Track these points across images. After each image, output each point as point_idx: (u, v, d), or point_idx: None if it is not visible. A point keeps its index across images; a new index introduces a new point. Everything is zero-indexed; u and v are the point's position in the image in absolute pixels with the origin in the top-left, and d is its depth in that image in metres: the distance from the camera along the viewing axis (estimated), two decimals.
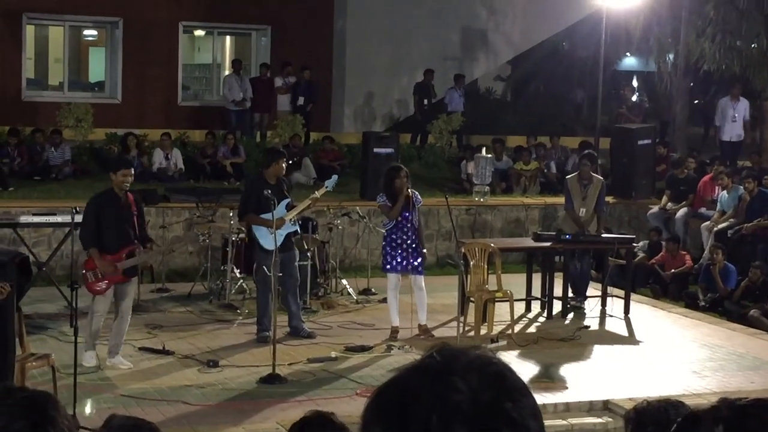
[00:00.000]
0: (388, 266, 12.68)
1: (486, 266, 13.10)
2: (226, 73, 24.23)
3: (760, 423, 2.01)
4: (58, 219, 13.89)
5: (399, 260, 12.61)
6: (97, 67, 25.65)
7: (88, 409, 9.88)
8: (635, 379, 11.37)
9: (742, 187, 16.93)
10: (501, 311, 13.21)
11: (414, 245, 12.65)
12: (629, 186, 19.00)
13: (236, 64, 23.28)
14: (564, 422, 9.96)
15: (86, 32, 25.93)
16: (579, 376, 11.50)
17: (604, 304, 14.56)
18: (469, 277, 13.14)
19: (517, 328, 13.40)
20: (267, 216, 11.81)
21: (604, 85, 21.68)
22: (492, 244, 13.50)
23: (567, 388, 10.98)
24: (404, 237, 12.59)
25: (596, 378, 11.42)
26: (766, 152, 21.83)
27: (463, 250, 13.15)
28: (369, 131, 20.76)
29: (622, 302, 14.53)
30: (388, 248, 12.66)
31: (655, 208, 18.24)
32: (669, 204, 18.18)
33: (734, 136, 21.26)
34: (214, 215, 15.14)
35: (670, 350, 12.77)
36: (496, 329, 13.13)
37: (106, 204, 11.14)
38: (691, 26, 22.11)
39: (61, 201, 15.75)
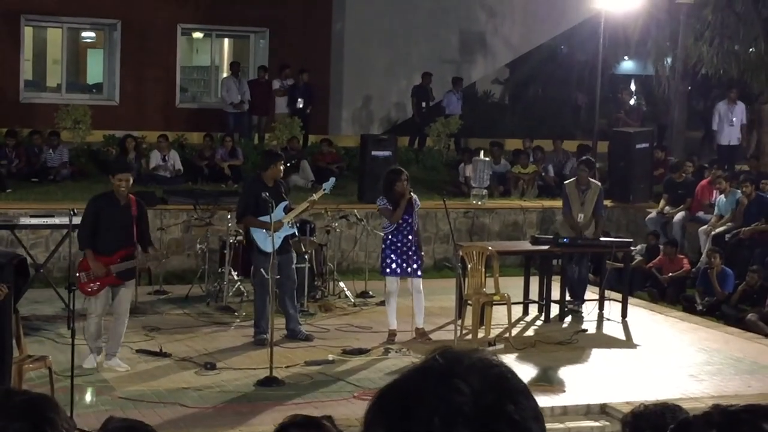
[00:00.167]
0: (388, 270, 12.67)
1: (484, 269, 13.10)
2: (224, 75, 24.23)
3: (752, 428, 2.01)
4: (56, 221, 13.89)
5: (398, 264, 12.60)
6: (95, 69, 25.65)
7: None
8: (633, 382, 11.37)
9: (739, 191, 16.94)
10: (498, 314, 13.22)
11: (414, 248, 12.65)
12: (627, 189, 19.01)
13: (234, 66, 23.29)
14: (561, 426, 9.97)
15: (84, 34, 25.93)
16: (576, 379, 11.50)
17: (601, 307, 14.56)
18: (466, 280, 13.14)
19: (515, 331, 13.41)
20: (265, 218, 11.81)
21: (603, 88, 21.69)
22: (490, 248, 13.51)
23: (564, 391, 10.98)
24: (404, 240, 12.59)
25: (594, 381, 11.42)
26: (764, 156, 21.83)
27: (460, 253, 13.15)
28: (367, 134, 20.75)
29: (619, 306, 14.53)
30: (387, 251, 12.64)
31: (653, 213, 18.25)
32: (667, 208, 18.19)
33: (732, 139, 21.28)
34: (211, 217, 15.14)
35: (667, 354, 12.77)
36: (494, 332, 13.13)
37: (105, 206, 11.16)
38: (689, 30, 22.12)
39: (58, 203, 15.75)
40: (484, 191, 18.60)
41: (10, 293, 9.39)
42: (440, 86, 23.83)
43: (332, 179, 13.23)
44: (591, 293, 14.92)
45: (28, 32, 23.83)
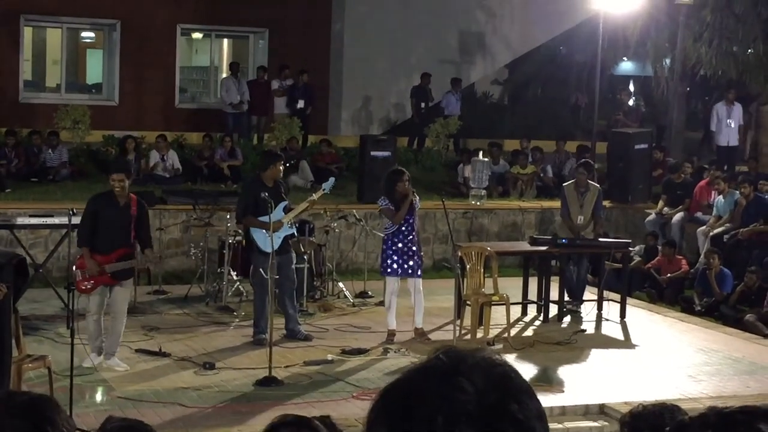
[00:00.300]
0: (389, 270, 12.67)
1: (482, 270, 13.12)
2: (224, 75, 24.24)
3: (748, 429, 2.02)
4: (55, 221, 13.89)
5: (399, 264, 12.60)
6: (94, 69, 25.66)
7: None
8: (631, 383, 11.38)
9: (738, 192, 16.95)
10: (497, 315, 13.23)
11: (414, 248, 12.66)
12: (626, 190, 19.02)
13: (234, 66, 23.30)
14: (560, 426, 9.98)
15: (84, 34, 25.94)
16: (575, 379, 11.51)
17: (600, 308, 14.56)
18: (465, 280, 13.15)
19: (514, 331, 13.42)
20: (265, 219, 11.82)
21: (602, 89, 21.70)
22: (489, 248, 13.52)
23: (563, 391, 10.99)
24: (405, 241, 12.60)
25: (592, 382, 11.43)
26: (763, 157, 21.85)
27: (459, 254, 13.16)
28: (366, 134, 20.76)
29: (618, 306, 14.54)
30: (389, 252, 12.64)
31: (652, 214, 18.25)
32: (665, 209, 18.20)
33: (731, 140, 21.30)
34: (211, 218, 15.14)
35: (666, 354, 12.78)
36: (493, 333, 13.14)
37: (104, 205, 11.18)
38: (688, 31, 22.13)
39: (58, 203, 15.75)
40: (483, 192, 18.60)
41: (10, 293, 9.41)
42: (439, 87, 23.84)
43: (332, 179, 13.23)
44: (590, 294, 14.93)
45: (27, 32, 23.85)
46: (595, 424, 10.25)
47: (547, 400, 10.52)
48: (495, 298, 13.04)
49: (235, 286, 14.41)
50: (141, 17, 23.23)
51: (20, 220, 14.12)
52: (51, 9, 22.84)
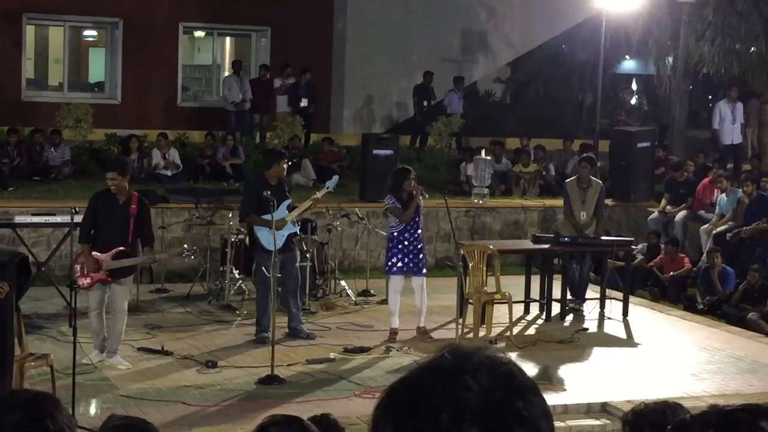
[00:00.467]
0: (395, 269, 12.65)
1: (485, 268, 13.11)
2: (226, 74, 24.24)
3: (749, 427, 2.02)
4: (58, 219, 13.90)
5: (405, 263, 12.59)
6: (96, 68, 25.67)
7: (92, 410, 9.88)
8: (633, 381, 11.37)
9: (740, 190, 16.95)
10: (500, 313, 13.22)
11: (419, 246, 12.66)
12: (628, 189, 19.01)
13: (236, 65, 23.30)
14: (562, 424, 9.97)
15: (86, 33, 25.95)
16: (577, 378, 11.51)
17: (602, 306, 14.57)
18: (467, 278, 13.14)
19: (516, 330, 13.42)
20: (268, 217, 11.81)
21: (604, 88, 21.68)
22: (491, 246, 13.51)
23: (565, 390, 10.99)
24: (411, 239, 12.59)
25: (594, 380, 11.43)
26: (766, 156, 21.82)
27: (462, 252, 13.15)
28: (368, 133, 20.76)
29: (620, 305, 14.53)
30: (394, 250, 12.61)
31: (655, 213, 18.24)
32: (668, 207, 18.19)
33: (735, 138, 21.27)
34: (213, 216, 15.14)
35: (668, 353, 12.78)
36: (495, 331, 13.13)
37: (103, 202, 11.20)
38: (690, 29, 22.10)
39: (60, 201, 15.75)
40: (486, 190, 18.59)
41: (12, 291, 9.40)
42: (442, 85, 23.83)
43: (335, 177, 13.23)
44: (592, 292, 14.94)
45: (29, 31, 23.86)
46: (598, 422, 10.25)
47: (549, 398, 10.38)
48: (497, 296, 13.03)
49: (238, 284, 14.41)
50: (143, 15, 23.24)
51: (22, 219, 14.13)
52: (53, 7, 22.85)
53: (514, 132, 24.68)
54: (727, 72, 22.16)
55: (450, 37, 25.73)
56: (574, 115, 29.93)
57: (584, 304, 14.77)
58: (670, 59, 24.03)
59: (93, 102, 22.21)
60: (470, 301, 13.02)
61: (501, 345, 12.62)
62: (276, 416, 3.84)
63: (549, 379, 11.26)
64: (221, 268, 14.51)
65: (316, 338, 12.65)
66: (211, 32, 25.41)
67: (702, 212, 17.76)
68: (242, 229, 13.79)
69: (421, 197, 12.61)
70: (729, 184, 17.33)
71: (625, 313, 14.49)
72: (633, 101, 26.30)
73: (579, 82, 30.12)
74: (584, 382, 11.35)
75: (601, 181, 15.29)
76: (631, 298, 14.92)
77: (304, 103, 22.55)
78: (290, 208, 12.46)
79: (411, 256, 12.58)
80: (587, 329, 13.88)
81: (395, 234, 12.62)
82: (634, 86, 32.43)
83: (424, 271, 12.75)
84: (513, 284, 14.14)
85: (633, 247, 15.49)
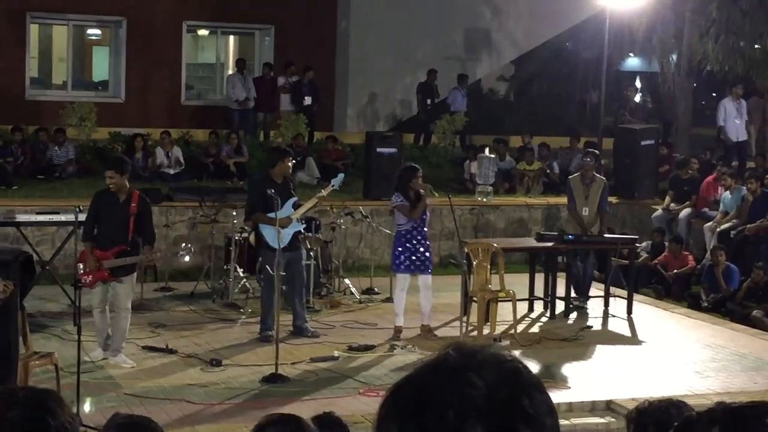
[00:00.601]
0: (402, 267, 12.64)
1: (489, 266, 13.11)
2: (230, 72, 24.26)
3: (755, 424, 2.02)
4: (62, 218, 13.90)
5: (412, 261, 12.58)
6: (100, 67, 25.68)
7: (88, 407, 9.89)
8: (638, 379, 11.37)
9: (745, 187, 16.93)
10: (504, 311, 13.22)
11: (426, 244, 12.66)
12: (632, 186, 19.00)
13: (240, 63, 23.31)
14: (567, 422, 9.96)
15: (90, 31, 25.95)
16: (581, 376, 11.51)
17: (606, 304, 14.57)
18: (472, 277, 13.14)
19: (520, 328, 13.42)
20: (273, 215, 11.82)
21: (608, 85, 21.68)
22: (495, 244, 13.51)
23: (569, 388, 10.99)
24: (418, 237, 12.59)
25: (599, 378, 11.42)
26: None
27: (466, 250, 13.15)
28: (372, 131, 20.76)
29: (624, 302, 14.52)
30: (401, 248, 12.59)
31: (659, 210, 18.23)
32: (672, 204, 18.18)
33: (740, 135, 21.24)
34: (217, 214, 15.16)
35: (672, 351, 12.77)
36: (499, 329, 13.12)
37: (104, 201, 11.23)
38: (694, 26, 22.09)
39: (64, 200, 15.75)
40: (489, 188, 18.59)
41: (16, 290, 9.41)
42: (445, 83, 23.83)
43: (341, 175, 13.23)
44: (596, 290, 14.93)
45: (33, 30, 23.87)
46: (602, 420, 10.25)
47: (553, 396, 10.45)
48: (501, 294, 13.03)
49: (242, 282, 14.41)
50: (147, 14, 23.25)
51: (26, 217, 14.14)
52: (57, 6, 22.87)
53: (517, 130, 24.67)
54: (732, 69, 22.14)
55: (454, 34, 25.73)
56: (578, 112, 29.92)
57: (588, 302, 14.76)
58: (674, 57, 24.02)
59: (97, 101, 22.23)
60: (474, 299, 13.02)
61: (505, 343, 12.61)
62: (273, 415, 3.85)
63: (553, 377, 11.25)
64: (225, 267, 14.52)
65: (320, 336, 12.66)
66: (215, 31, 25.41)
67: (706, 210, 17.74)
68: (246, 228, 13.79)
69: (433, 194, 12.62)
70: (733, 181, 17.31)
71: (629, 310, 14.48)
72: (637, 99, 26.27)
73: (583, 80, 30.11)
74: (588, 380, 11.35)
75: (604, 178, 15.28)
76: (635, 296, 14.90)
77: (307, 101, 22.56)
78: (296, 206, 12.47)
79: (418, 255, 12.58)
80: (591, 327, 13.88)
81: (402, 232, 12.61)
82: (638, 84, 32.41)
83: (431, 269, 12.74)
84: (517, 282, 14.13)
85: (637, 244, 15.47)
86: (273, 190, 11.77)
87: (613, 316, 14.36)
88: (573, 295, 14.61)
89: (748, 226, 16.42)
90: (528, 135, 21.88)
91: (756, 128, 23.32)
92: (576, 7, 24.84)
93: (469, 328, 12.92)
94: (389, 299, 14.13)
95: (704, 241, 17.13)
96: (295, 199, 12.50)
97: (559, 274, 14.47)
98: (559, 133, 23.00)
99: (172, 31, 23.69)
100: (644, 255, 16.60)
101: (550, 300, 14.37)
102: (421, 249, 12.59)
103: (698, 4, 21.99)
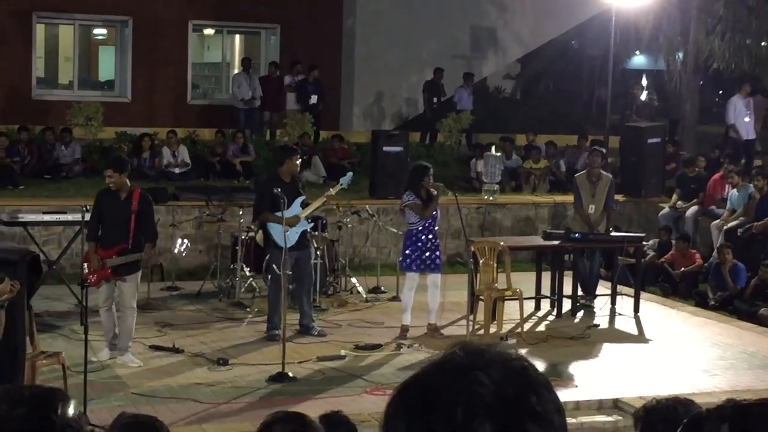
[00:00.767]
0: (413, 266, 12.62)
1: (495, 265, 13.09)
2: (236, 71, 24.26)
3: (765, 421, 2.02)
4: (68, 217, 13.93)
5: (422, 260, 12.57)
6: (106, 66, 25.71)
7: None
8: (645, 377, 11.35)
9: (752, 185, 16.90)
10: (510, 310, 13.20)
11: (436, 243, 12.65)
12: (639, 184, 18.98)
13: (245, 62, 23.32)
14: (574, 420, 9.95)
15: (96, 31, 25.98)
16: (589, 374, 11.50)
17: (613, 302, 14.56)
18: (478, 275, 13.14)
19: (527, 326, 13.41)
20: (280, 214, 11.81)
21: (614, 83, 21.66)
22: (501, 243, 13.50)
23: (577, 386, 10.98)
24: (429, 236, 12.58)
25: (606, 376, 11.41)
26: None
27: (472, 249, 13.14)
28: (378, 130, 20.78)
29: (631, 301, 14.51)
30: (412, 247, 12.57)
31: (665, 209, 18.21)
32: (679, 202, 18.16)
33: (749, 133, 21.21)
34: (223, 213, 15.17)
35: (680, 349, 12.75)
36: (506, 328, 13.12)
37: (106, 200, 11.23)
38: (700, 24, 22.07)
39: (71, 199, 15.77)
40: (496, 186, 18.58)
41: (23, 290, 9.42)
42: (451, 82, 23.83)
43: (350, 174, 13.23)
44: (603, 288, 14.92)
45: (39, 29, 23.90)
46: (609, 418, 10.24)
47: (561, 394, 10.43)
48: (508, 293, 13.03)
49: (248, 281, 14.42)
50: (153, 13, 23.27)
51: (33, 217, 14.15)
52: (63, 6, 22.90)
53: (523, 128, 24.63)
54: (738, 67, 22.11)
55: (459, 33, 25.73)
56: (585, 110, 29.90)
57: (595, 301, 14.75)
58: (681, 54, 23.99)
59: (103, 100, 22.27)
60: (481, 297, 13.01)
61: (512, 341, 12.61)
62: (279, 413, 3.84)
63: (560, 376, 11.24)
64: (232, 266, 14.52)
65: (327, 335, 12.65)
66: (221, 30, 25.43)
67: (713, 208, 17.72)
68: (252, 227, 13.79)
69: (445, 193, 12.62)
70: (740, 179, 17.29)
71: (636, 309, 14.46)
72: (643, 97, 26.23)
73: (589, 78, 30.08)
74: (595, 378, 11.34)
75: (610, 175, 15.27)
76: (642, 294, 14.89)
77: (313, 100, 22.57)
78: (304, 205, 12.46)
79: (428, 253, 12.57)
80: (598, 325, 13.87)
81: (413, 231, 12.59)
82: (644, 82, 32.37)
83: (440, 268, 12.74)
84: (524, 281, 14.13)
85: (644, 243, 15.45)
86: (279, 189, 11.76)
87: (620, 314, 14.34)
88: (580, 293, 14.60)
89: (756, 224, 16.40)
90: (534, 133, 21.86)
91: (759, 126, 23.27)
92: (582, 5, 24.83)
93: (476, 327, 12.92)
94: (396, 298, 14.13)
95: (711, 239, 17.11)
96: (303, 197, 12.50)
97: (565, 272, 14.45)
98: (566, 131, 22.99)
99: (178, 30, 23.71)
100: (651, 253, 16.59)
101: (556, 298, 14.36)
102: (432, 248, 12.58)
103: (704, 1, 21.96)
